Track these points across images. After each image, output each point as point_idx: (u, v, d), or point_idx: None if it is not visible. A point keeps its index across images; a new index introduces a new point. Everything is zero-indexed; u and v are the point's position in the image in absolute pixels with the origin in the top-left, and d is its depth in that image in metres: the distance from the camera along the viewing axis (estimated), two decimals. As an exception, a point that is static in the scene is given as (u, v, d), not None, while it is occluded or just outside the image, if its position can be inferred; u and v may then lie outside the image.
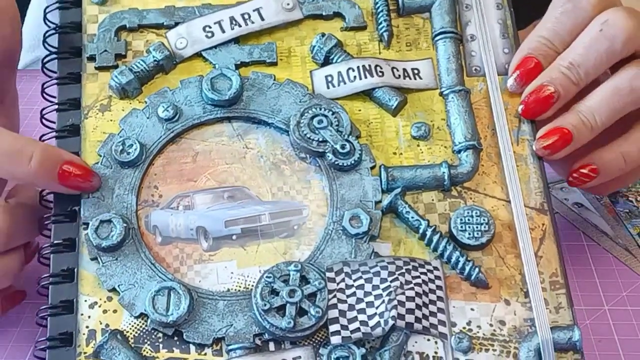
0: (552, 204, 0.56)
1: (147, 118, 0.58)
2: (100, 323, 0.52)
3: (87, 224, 0.54)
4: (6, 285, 0.58)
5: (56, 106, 0.58)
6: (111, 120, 0.58)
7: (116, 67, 0.59)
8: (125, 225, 0.54)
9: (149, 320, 0.52)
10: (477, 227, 0.54)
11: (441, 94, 0.59)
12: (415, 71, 0.60)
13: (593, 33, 0.57)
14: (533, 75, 0.58)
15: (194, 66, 0.60)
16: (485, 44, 0.60)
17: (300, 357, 0.51)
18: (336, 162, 0.56)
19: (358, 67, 0.59)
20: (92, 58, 0.59)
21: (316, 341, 0.52)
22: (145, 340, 0.52)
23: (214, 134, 0.58)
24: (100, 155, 0.56)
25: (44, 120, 0.58)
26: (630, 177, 0.63)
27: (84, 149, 0.57)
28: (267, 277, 0.52)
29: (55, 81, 0.59)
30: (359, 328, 0.51)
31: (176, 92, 0.58)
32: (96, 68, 0.59)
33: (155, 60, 0.59)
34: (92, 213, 0.55)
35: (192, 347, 0.52)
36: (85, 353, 0.52)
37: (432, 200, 0.56)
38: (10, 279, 0.58)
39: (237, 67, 0.59)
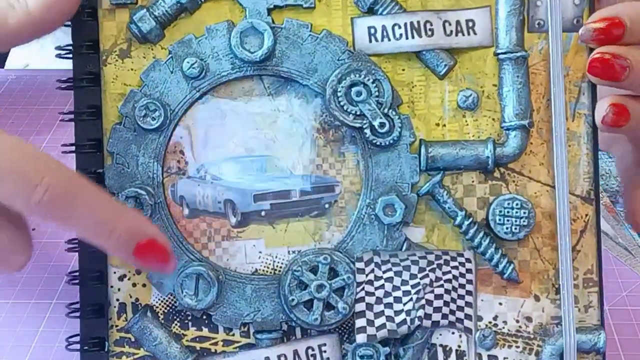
0: (599, 191, 0.53)
1: (171, 72, 0.53)
2: (130, 297, 0.53)
3: (113, 193, 0.52)
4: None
5: (71, 48, 0.53)
6: (132, 70, 0.53)
7: (135, 3, 0.53)
8: (151, 202, 0.52)
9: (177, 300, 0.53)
10: (516, 221, 0.52)
11: (496, 54, 0.53)
12: (470, 24, 0.53)
13: None
14: (612, 41, 0.51)
15: (222, 6, 0.53)
16: (553, -11, 0.52)
17: (325, 344, 0.52)
18: (373, 141, 0.52)
19: (405, 24, 0.52)
20: (107, -10, 0.53)
21: (342, 329, 0.53)
22: (175, 318, 0.53)
23: (243, 92, 0.53)
24: (122, 115, 0.53)
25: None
26: None
27: (105, 103, 0.53)
28: (295, 270, 0.52)
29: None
30: (384, 324, 0.52)
31: (202, 42, 0.53)
32: (112, 4, 0.53)
33: (178, 2, 0.52)
34: (117, 182, 0.53)
35: (221, 328, 0.53)
36: (117, 326, 0.53)
37: (472, 181, 0.53)
38: None
39: (270, 11, 0.53)
